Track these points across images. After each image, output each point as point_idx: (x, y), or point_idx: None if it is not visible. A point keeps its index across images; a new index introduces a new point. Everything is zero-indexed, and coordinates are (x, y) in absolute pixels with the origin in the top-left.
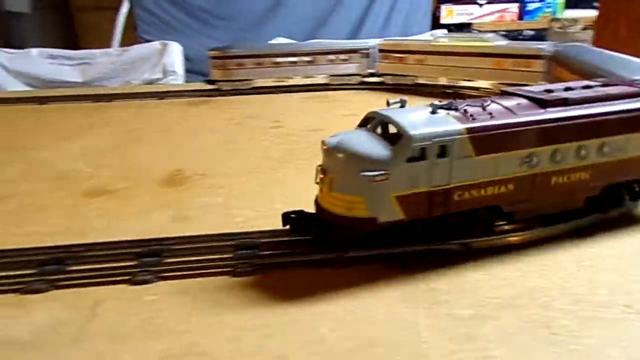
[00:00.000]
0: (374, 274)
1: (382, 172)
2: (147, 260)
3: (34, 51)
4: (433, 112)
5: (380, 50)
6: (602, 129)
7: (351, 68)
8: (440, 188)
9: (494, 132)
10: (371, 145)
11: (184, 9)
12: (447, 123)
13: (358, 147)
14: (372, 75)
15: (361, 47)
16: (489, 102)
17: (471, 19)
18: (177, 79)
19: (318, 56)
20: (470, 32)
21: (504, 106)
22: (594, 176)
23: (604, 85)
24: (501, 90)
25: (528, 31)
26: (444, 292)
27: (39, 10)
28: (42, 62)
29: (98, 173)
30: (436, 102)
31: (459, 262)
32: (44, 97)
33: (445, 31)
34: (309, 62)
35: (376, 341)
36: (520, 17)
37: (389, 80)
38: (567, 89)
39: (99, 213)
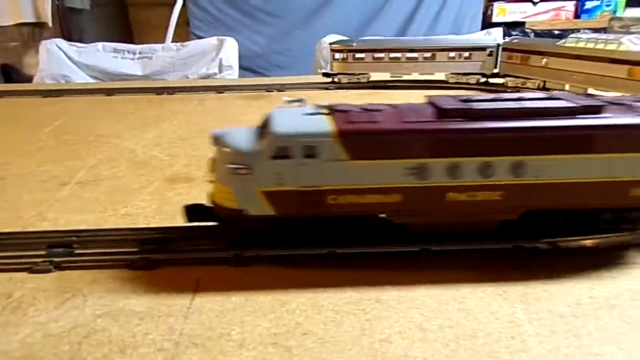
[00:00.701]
0: (461, 268)
1: (245, 166)
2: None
3: (99, 45)
4: (314, 113)
5: (504, 49)
6: (515, 147)
7: (474, 66)
8: (310, 189)
9: (370, 137)
10: (245, 140)
11: (235, 5)
12: (319, 124)
13: (232, 140)
14: (494, 75)
15: (487, 45)
16: (388, 107)
17: (524, 18)
18: (233, 74)
19: (439, 53)
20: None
21: (399, 112)
22: (508, 198)
23: (541, 99)
24: (426, 96)
25: (585, 30)
26: (540, 289)
27: (97, 7)
28: (106, 55)
29: (175, 161)
30: (323, 103)
31: (548, 261)
32: (111, 89)
33: (500, 30)
34: (428, 58)
35: (477, 332)
36: (577, 16)
37: (511, 82)
38: (493, 100)
39: (183, 199)
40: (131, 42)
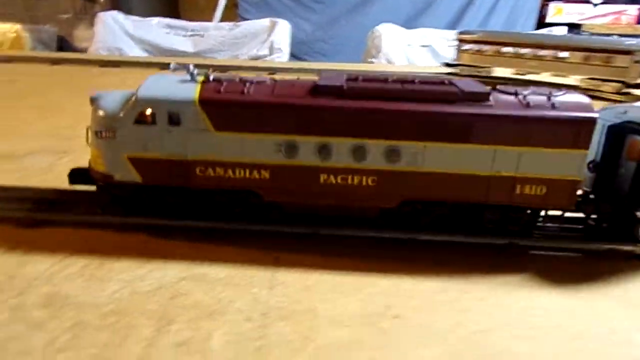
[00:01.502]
0: (555, 266)
1: (107, 128)
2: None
3: (154, 20)
4: (188, 80)
5: None
6: (388, 131)
7: (614, 72)
8: (176, 158)
9: (232, 108)
10: (116, 104)
11: None
12: (185, 91)
13: (104, 103)
14: (638, 86)
15: (635, 49)
16: (269, 80)
17: (582, 20)
18: (282, 57)
19: (572, 52)
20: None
21: (274, 86)
22: (382, 185)
23: (430, 83)
24: (320, 71)
25: None
26: None
27: None
28: (159, 31)
29: None
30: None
31: None
32: (165, 63)
33: (564, 29)
34: (559, 58)
35: (583, 334)
36: None
37: None
38: (379, 80)
39: None
40: (178, 18)
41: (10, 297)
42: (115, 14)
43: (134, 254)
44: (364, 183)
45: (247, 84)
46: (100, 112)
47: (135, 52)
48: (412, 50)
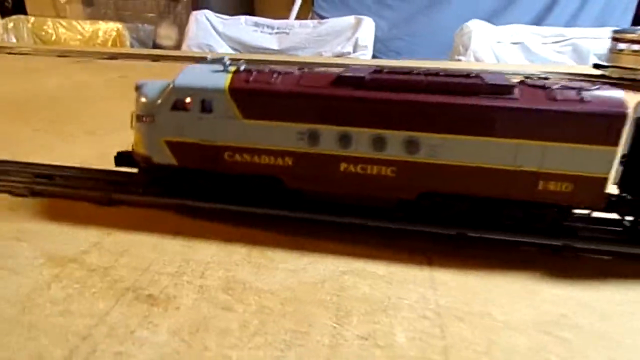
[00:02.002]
0: None
1: (147, 114)
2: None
3: (242, 18)
4: (221, 70)
5: None
6: (407, 122)
7: None
8: (207, 143)
9: (258, 97)
10: (157, 91)
11: None
12: (217, 81)
13: (145, 89)
14: None
15: None
16: (296, 71)
17: None
18: (367, 55)
19: None
20: None
21: (300, 77)
22: (401, 176)
23: (453, 76)
24: (350, 67)
25: None
26: None
27: None
28: (247, 29)
29: None
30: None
31: None
32: (252, 60)
33: None
34: None
35: None
36: None
37: None
38: (402, 72)
39: None
40: (252, 14)
41: (193, 278)
42: (207, 12)
43: (288, 246)
44: (383, 173)
45: (275, 75)
46: (142, 99)
47: (224, 49)
48: (502, 48)
